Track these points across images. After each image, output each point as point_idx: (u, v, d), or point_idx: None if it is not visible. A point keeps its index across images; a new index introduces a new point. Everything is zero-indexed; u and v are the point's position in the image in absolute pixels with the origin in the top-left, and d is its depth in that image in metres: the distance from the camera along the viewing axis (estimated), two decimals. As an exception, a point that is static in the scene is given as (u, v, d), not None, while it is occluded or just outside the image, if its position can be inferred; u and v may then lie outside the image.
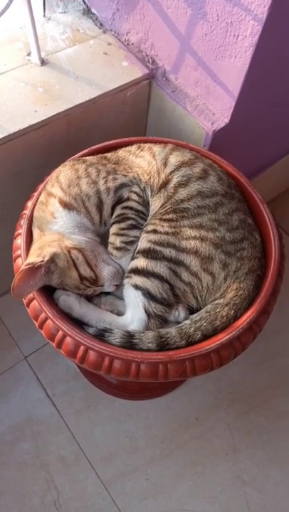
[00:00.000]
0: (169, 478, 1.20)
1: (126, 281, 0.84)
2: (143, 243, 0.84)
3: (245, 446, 1.25)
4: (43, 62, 1.08)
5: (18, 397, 1.27)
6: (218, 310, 0.83)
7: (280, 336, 1.41)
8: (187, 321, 0.83)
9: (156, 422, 1.26)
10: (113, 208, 0.88)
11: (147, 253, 0.83)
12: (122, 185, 0.88)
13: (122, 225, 0.87)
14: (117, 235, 0.87)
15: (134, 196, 0.88)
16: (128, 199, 0.88)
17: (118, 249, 0.86)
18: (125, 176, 0.89)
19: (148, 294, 0.82)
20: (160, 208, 0.87)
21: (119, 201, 0.88)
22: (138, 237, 0.86)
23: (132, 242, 0.86)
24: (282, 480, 1.21)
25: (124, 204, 0.87)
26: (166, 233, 0.83)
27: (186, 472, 1.21)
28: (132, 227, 0.87)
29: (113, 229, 0.88)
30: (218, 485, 1.19)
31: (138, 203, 0.88)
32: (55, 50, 1.11)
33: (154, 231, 0.84)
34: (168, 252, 0.82)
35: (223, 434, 1.26)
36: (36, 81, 1.05)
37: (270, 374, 1.35)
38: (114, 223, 0.88)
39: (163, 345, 0.80)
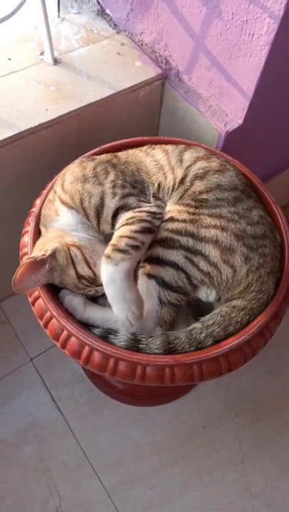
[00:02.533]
0: (174, 488, 1.16)
1: (140, 271, 0.81)
2: (160, 233, 0.81)
3: (253, 458, 1.21)
4: (55, 62, 1.08)
5: (23, 399, 1.25)
6: (233, 315, 0.79)
7: (292, 345, 1.37)
8: (198, 325, 0.80)
9: (163, 430, 1.23)
10: (115, 215, 0.82)
11: (164, 242, 0.80)
12: (130, 194, 0.84)
13: (134, 227, 0.77)
14: (124, 236, 0.76)
15: (144, 205, 0.84)
16: (138, 207, 0.83)
17: (120, 251, 0.75)
18: (134, 186, 0.86)
19: (163, 283, 0.79)
20: (178, 200, 0.85)
21: (124, 207, 0.82)
22: (145, 245, 0.79)
23: (138, 248, 0.77)
24: (292, 494, 1.17)
25: (137, 209, 0.82)
26: (184, 221, 0.80)
27: (191, 482, 1.17)
28: (146, 230, 0.78)
29: (121, 231, 0.78)
30: (224, 496, 1.16)
31: (150, 206, 0.84)
32: (68, 50, 1.11)
33: (172, 219, 0.81)
34: (185, 240, 0.79)
35: (231, 443, 1.22)
36: (48, 80, 1.05)
37: (280, 383, 1.31)
38: (124, 225, 0.79)
39: (170, 351, 0.78)
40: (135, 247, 0.76)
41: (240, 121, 1.02)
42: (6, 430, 1.20)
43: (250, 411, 1.27)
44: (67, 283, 0.81)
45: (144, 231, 0.78)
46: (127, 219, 0.80)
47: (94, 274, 0.81)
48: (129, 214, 0.81)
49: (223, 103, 1.03)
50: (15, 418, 1.22)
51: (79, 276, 0.80)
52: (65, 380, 1.28)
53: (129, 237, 0.77)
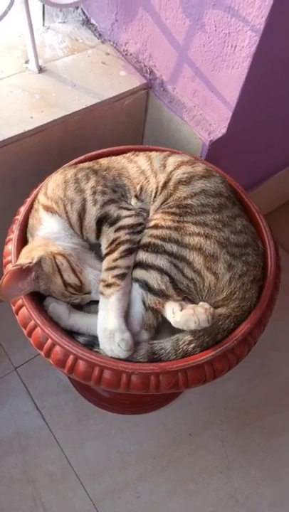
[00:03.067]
0: (160, 496, 1.15)
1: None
2: (144, 238, 0.81)
3: (238, 464, 1.21)
4: (40, 70, 1.08)
5: (7, 409, 1.23)
6: (220, 323, 0.79)
7: (276, 352, 1.38)
8: (187, 336, 0.78)
9: (148, 438, 1.23)
10: (98, 224, 0.83)
11: (148, 247, 0.80)
12: (111, 201, 0.84)
13: (115, 254, 0.80)
14: (109, 269, 0.79)
15: (124, 212, 0.84)
16: (118, 218, 0.83)
17: (108, 285, 0.78)
18: (114, 190, 0.86)
19: (146, 286, 0.78)
20: (161, 205, 0.85)
21: (106, 218, 0.83)
22: (130, 267, 0.80)
23: (123, 276, 0.79)
24: (276, 501, 1.17)
25: (117, 225, 0.82)
26: (169, 227, 0.80)
27: (177, 490, 1.17)
28: (126, 253, 0.80)
29: (104, 263, 0.81)
30: (210, 504, 1.15)
31: (129, 216, 0.83)
32: (53, 59, 1.11)
33: (156, 226, 0.81)
34: (169, 247, 0.79)
35: (217, 451, 1.22)
36: (33, 88, 1.05)
37: (264, 390, 1.32)
38: (106, 255, 0.82)
39: (155, 361, 0.78)
40: (121, 276, 0.79)
41: (224, 130, 1.03)
42: (-10, 441, 1.19)
43: (235, 418, 1.27)
44: (53, 291, 0.81)
45: (125, 255, 0.80)
46: (109, 244, 0.81)
47: (80, 281, 0.81)
48: (110, 235, 0.82)
49: (206, 113, 1.05)
50: (-1, 428, 1.21)
51: (66, 284, 0.80)
52: (49, 389, 1.27)
53: (113, 268, 0.79)
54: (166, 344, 0.79)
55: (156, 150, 0.97)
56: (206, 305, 0.74)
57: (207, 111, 1.04)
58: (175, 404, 1.27)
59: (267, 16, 0.80)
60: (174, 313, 0.76)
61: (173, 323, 0.77)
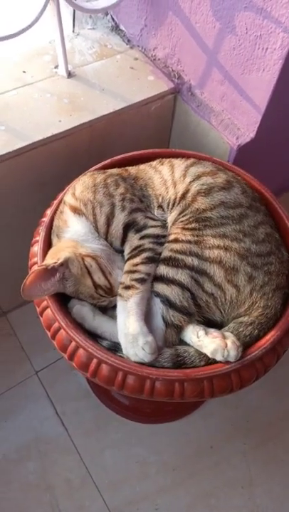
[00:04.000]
0: (179, 510, 1.12)
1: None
2: (164, 252, 0.81)
3: (262, 480, 1.17)
4: (69, 75, 1.09)
5: (26, 413, 1.22)
6: (241, 329, 0.78)
7: (302, 363, 1.34)
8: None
9: (169, 448, 1.19)
10: (125, 230, 0.83)
11: (168, 261, 0.79)
12: (138, 209, 0.85)
13: (136, 259, 0.80)
14: (129, 272, 0.79)
15: (150, 222, 0.84)
16: (144, 227, 0.83)
17: (126, 287, 0.78)
18: (141, 200, 0.86)
19: (167, 302, 0.77)
20: (178, 215, 0.84)
21: (132, 225, 0.83)
22: (151, 275, 0.80)
23: (143, 280, 0.78)
24: (302, 519, 1.12)
25: (142, 233, 0.83)
26: (189, 242, 0.80)
27: (197, 504, 1.13)
28: (148, 260, 0.80)
29: (126, 267, 0.81)
30: (232, 520, 1.11)
31: (155, 227, 0.84)
32: (82, 64, 1.12)
33: (176, 240, 0.81)
34: (190, 260, 0.78)
35: (239, 465, 1.18)
36: (62, 92, 1.05)
37: (290, 403, 1.28)
38: (128, 259, 0.82)
39: (179, 364, 0.76)
40: (141, 280, 0.78)
41: (252, 134, 1.01)
42: (9, 445, 1.17)
43: (258, 431, 1.23)
44: (81, 292, 0.81)
45: (147, 262, 0.80)
46: (132, 249, 0.82)
47: (110, 283, 0.80)
48: (134, 242, 0.82)
49: (235, 117, 1.03)
50: (18, 433, 1.19)
51: (96, 286, 0.80)
52: (70, 395, 1.25)
53: (133, 272, 0.79)
54: (189, 348, 0.78)
55: (183, 155, 0.96)
56: (237, 341, 0.75)
57: (236, 115, 1.03)
58: (197, 415, 1.24)
59: (301, 17, 0.79)
60: (199, 337, 0.76)
61: (195, 346, 0.77)
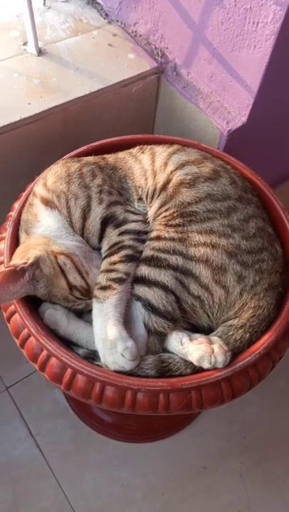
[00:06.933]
0: (169, 539, 1.12)
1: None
2: (146, 251, 0.81)
3: (260, 502, 1.18)
4: (40, 53, 1.09)
5: (-4, 434, 1.22)
6: (230, 333, 0.79)
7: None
8: None
9: (157, 470, 1.20)
10: (103, 225, 0.84)
11: (150, 261, 0.80)
12: (117, 203, 0.85)
13: (114, 257, 0.80)
14: (106, 271, 0.80)
15: (131, 217, 0.85)
16: (124, 221, 0.84)
17: (103, 288, 0.78)
18: (120, 193, 0.87)
19: (149, 306, 0.78)
20: (160, 208, 0.85)
21: (111, 219, 0.84)
22: (130, 274, 0.80)
23: (121, 280, 0.78)
24: None
25: (122, 229, 0.83)
26: (172, 239, 0.80)
27: (190, 532, 1.13)
28: (127, 258, 0.80)
29: (103, 265, 0.81)
30: None
31: (136, 222, 0.84)
32: (54, 40, 1.12)
33: (158, 237, 0.81)
34: (174, 259, 0.79)
35: (235, 486, 1.19)
36: (32, 72, 1.06)
37: (291, 417, 1.29)
38: (105, 257, 0.82)
39: (164, 371, 0.77)
40: (118, 280, 0.78)
41: (244, 119, 1.03)
42: (-24, 470, 1.17)
43: (256, 449, 1.24)
44: (54, 295, 0.81)
45: (126, 260, 0.80)
46: (110, 246, 0.82)
47: (87, 284, 0.80)
48: (113, 238, 0.83)
49: (225, 99, 1.05)
50: (-14, 456, 1.19)
51: (71, 287, 0.80)
52: (45, 413, 1.25)
53: (110, 271, 0.79)
54: (174, 355, 0.78)
55: (166, 141, 0.97)
56: (224, 346, 0.76)
57: (226, 97, 1.04)
58: (188, 432, 1.25)
59: (294, -12, 0.80)
60: (183, 344, 0.77)
61: (179, 355, 0.78)
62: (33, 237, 0.84)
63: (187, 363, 0.77)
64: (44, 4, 1.20)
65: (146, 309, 0.78)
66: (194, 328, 0.82)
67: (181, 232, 0.81)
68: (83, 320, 0.84)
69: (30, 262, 0.77)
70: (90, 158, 0.92)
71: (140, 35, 1.14)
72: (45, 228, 0.84)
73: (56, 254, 0.80)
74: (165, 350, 0.80)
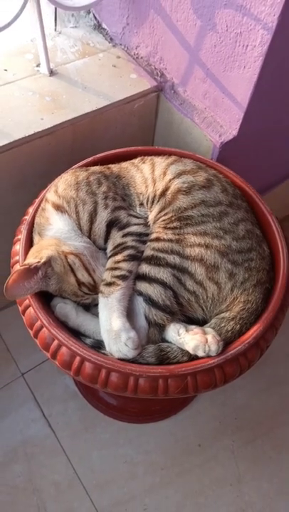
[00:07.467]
0: (168, 509, 1.12)
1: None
2: (146, 251, 0.82)
3: (250, 477, 1.17)
4: (51, 73, 1.09)
5: (13, 416, 1.22)
6: (223, 325, 0.79)
7: (289, 360, 1.35)
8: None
9: (157, 448, 1.20)
10: (108, 228, 0.84)
11: (150, 260, 0.80)
12: (121, 208, 0.86)
13: (118, 257, 0.81)
14: (111, 269, 0.80)
15: (133, 220, 0.85)
16: (127, 224, 0.84)
17: (108, 284, 0.78)
18: (124, 199, 0.87)
19: (149, 300, 0.78)
20: (159, 213, 0.85)
21: (115, 222, 0.84)
22: (133, 272, 0.80)
23: (124, 277, 0.79)
24: (291, 516, 1.13)
25: (125, 231, 0.84)
26: (170, 240, 0.80)
27: (186, 503, 1.13)
28: (130, 257, 0.81)
29: (108, 264, 0.82)
30: (221, 518, 1.12)
31: (138, 225, 0.85)
32: (64, 62, 1.12)
33: (158, 239, 0.81)
34: (172, 258, 0.79)
35: (228, 462, 1.19)
36: (44, 90, 1.06)
37: (277, 400, 1.29)
38: (110, 257, 0.82)
39: (163, 359, 0.77)
40: (122, 277, 0.79)
41: (235, 132, 1.02)
42: (-5, 448, 1.17)
43: (246, 429, 1.24)
44: (65, 290, 0.81)
45: (128, 259, 0.80)
46: (115, 247, 0.82)
47: (94, 280, 0.81)
48: (117, 239, 0.83)
49: (217, 114, 1.04)
50: (4, 436, 1.19)
51: (79, 283, 0.80)
52: (57, 397, 1.25)
53: (114, 269, 0.80)
54: (172, 344, 0.79)
55: (164, 152, 0.96)
56: (217, 336, 0.76)
57: (218, 112, 1.04)
58: (184, 414, 1.24)
59: (279, 14, 0.80)
60: (180, 334, 0.77)
61: (177, 344, 0.78)
62: (45, 238, 0.84)
63: (184, 352, 0.77)
64: (55, 30, 1.20)
65: (147, 303, 0.78)
66: (190, 321, 0.82)
67: (178, 234, 0.81)
68: (90, 313, 0.84)
69: (43, 261, 0.77)
70: (97, 168, 0.92)
71: (141, 57, 1.14)
72: (56, 230, 0.84)
73: (66, 254, 0.80)
74: (164, 340, 0.80)
